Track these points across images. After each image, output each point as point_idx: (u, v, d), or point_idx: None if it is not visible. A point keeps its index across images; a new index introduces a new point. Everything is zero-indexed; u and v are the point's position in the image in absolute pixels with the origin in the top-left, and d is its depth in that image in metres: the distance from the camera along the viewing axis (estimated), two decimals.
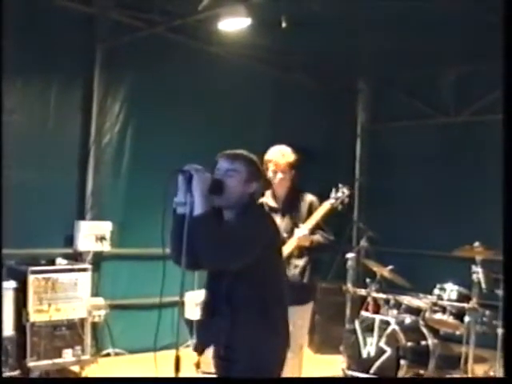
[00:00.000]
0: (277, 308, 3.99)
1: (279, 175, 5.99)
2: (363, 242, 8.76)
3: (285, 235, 5.81)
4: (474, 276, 7.29)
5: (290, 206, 6.07)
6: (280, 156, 6.00)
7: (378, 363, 7.31)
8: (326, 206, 6.09)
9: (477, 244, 7.39)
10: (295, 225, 5.95)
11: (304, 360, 6.36)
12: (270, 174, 5.97)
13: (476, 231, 8.25)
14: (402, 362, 7.13)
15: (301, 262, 6.01)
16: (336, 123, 11.06)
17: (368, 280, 8.01)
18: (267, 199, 6.11)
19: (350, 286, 8.35)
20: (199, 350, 4.13)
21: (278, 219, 5.78)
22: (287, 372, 4.64)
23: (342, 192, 6.22)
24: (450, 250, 7.81)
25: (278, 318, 4.00)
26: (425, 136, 10.88)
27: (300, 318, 5.90)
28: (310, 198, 6.16)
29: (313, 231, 5.96)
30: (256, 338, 3.86)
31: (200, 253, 3.74)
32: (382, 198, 11.13)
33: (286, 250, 5.79)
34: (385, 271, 7.89)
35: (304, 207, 6.06)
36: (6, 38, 7.09)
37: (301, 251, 6.00)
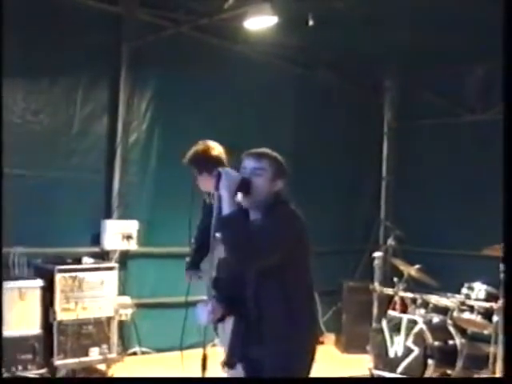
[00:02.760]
0: (305, 307, 3.97)
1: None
2: (390, 241, 8.70)
3: None
4: (503, 275, 7.22)
5: None
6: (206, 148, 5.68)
7: (405, 363, 7.27)
8: None
9: None
10: None
11: (331, 359, 6.38)
12: None
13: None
14: (430, 361, 7.08)
15: None
16: (362, 122, 11.00)
17: (395, 279, 7.96)
18: None
19: (377, 285, 8.32)
20: (232, 363, 4.10)
21: None
22: None
23: None
24: (478, 249, 7.74)
25: (307, 318, 3.98)
26: (451, 134, 10.79)
27: None
28: None
29: None
30: (285, 340, 3.84)
31: (228, 252, 3.74)
32: (408, 196, 11.07)
33: None
34: (412, 270, 7.83)
35: None
36: (31, 38, 7.17)
37: None
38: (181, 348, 3.82)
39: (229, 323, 4.18)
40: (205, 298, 3.80)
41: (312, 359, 3.99)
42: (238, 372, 4.09)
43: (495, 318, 7.20)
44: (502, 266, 7.21)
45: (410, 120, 11.33)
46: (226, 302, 3.99)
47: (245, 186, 3.80)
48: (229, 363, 4.06)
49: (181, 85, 8.71)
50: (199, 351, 3.77)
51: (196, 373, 3.74)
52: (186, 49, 8.65)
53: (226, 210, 3.70)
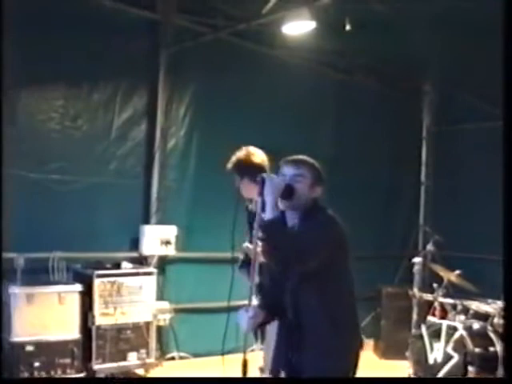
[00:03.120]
0: (347, 314, 3.97)
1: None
2: (430, 246, 8.61)
3: None
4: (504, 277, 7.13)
5: None
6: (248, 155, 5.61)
7: (444, 369, 7.19)
8: None
9: None
10: None
11: (369, 365, 6.33)
12: None
13: None
14: (470, 368, 6.99)
15: None
16: (401, 126, 10.93)
17: (435, 285, 7.88)
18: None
19: (416, 290, 8.25)
20: (275, 371, 4.09)
21: None
22: None
23: None
24: None
25: (349, 325, 3.98)
26: (491, 138, 10.66)
27: None
28: None
29: None
30: (327, 348, 3.83)
31: (270, 257, 3.76)
32: (448, 201, 10.97)
33: None
34: (452, 276, 7.75)
35: None
36: (70, 44, 7.24)
37: None
38: (222, 353, 3.81)
39: (273, 329, 4.18)
40: (245, 302, 3.80)
41: (355, 366, 3.99)
42: None
43: None
44: None
45: (450, 124, 11.24)
46: (267, 308, 4.00)
47: (288, 191, 3.81)
48: (272, 371, 4.07)
49: (219, 90, 8.73)
50: (237, 356, 3.78)
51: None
52: (224, 54, 8.65)
53: (270, 215, 3.70)
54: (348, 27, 8.00)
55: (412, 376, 7.42)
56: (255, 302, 4.03)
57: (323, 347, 3.82)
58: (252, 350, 8.20)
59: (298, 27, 7.83)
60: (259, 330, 4.57)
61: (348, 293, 4.01)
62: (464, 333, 7.18)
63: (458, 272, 7.75)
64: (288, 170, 3.93)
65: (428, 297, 8.02)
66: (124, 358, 7.35)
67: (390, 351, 9.26)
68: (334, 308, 3.86)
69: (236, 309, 3.87)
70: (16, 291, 6.78)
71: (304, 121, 9.49)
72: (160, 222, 8.46)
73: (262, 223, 3.71)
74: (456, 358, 7.15)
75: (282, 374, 4.04)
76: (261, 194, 3.76)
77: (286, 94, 9.20)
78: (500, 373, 7.11)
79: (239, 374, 3.72)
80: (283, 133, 8.98)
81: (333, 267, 3.81)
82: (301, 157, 4.01)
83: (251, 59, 8.94)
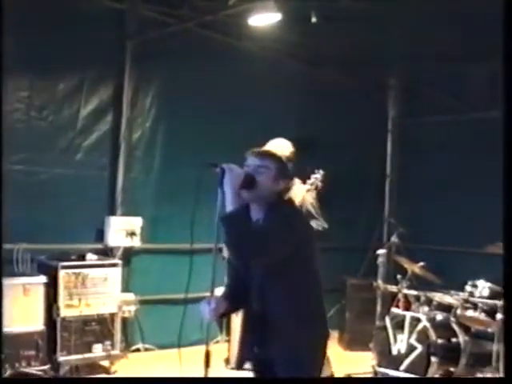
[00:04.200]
0: (312, 306, 3.99)
1: None
2: (394, 239, 8.69)
3: None
4: (503, 274, 7.21)
5: None
6: (277, 148, 5.88)
7: (408, 360, 7.26)
8: (301, 193, 6.35)
9: None
10: None
11: (334, 357, 6.40)
12: None
13: None
14: (433, 359, 7.07)
15: None
16: (366, 118, 10.96)
17: (399, 276, 7.95)
18: None
19: (380, 282, 8.31)
20: (240, 362, 4.11)
21: None
22: None
23: (315, 177, 6.47)
24: (482, 247, 7.74)
25: (315, 317, 4.01)
26: (456, 132, 10.78)
27: None
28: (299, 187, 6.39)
29: None
30: (293, 339, 3.84)
31: (231, 249, 3.79)
32: (412, 194, 11.05)
33: None
34: (416, 268, 7.82)
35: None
36: (35, 35, 7.19)
37: None
38: (179, 345, 3.81)
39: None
40: (208, 294, 3.80)
41: (323, 358, 4.04)
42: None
43: (499, 316, 7.19)
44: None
45: (414, 117, 11.31)
46: (230, 299, 4.02)
47: (248, 181, 3.80)
48: (237, 362, 4.09)
49: (185, 82, 8.70)
50: (202, 348, 3.77)
51: (199, 369, 3.73)
52: (191, 45, 8.62)
53: (230, 206, 3.70)
54: (313, 19, 8.02)
55: (375, 367, 7.47)
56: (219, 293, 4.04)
57: (290, 339, 3.83)
58: (217, 342, 8.30)
59: (264, 19, 7.86)
60: (223, 321, 4.59)
61: (314, 285, 4.02)
62: (427, 324, 7.26)
63: (421, 264, 7.82)
64: (252, 161, 3.93)
65: (392, 288, 8.09)
66: (89, 350, 7.33)
67: (354, 343, 9.32)
68: (299, 300, 3.87)
69: (198, 300, 3.88)
70: None
71: (269, 112, 9.48)
72: (125, 214, 8.44)
73: (222, 215, 3.70)
74: (419, 348, 7.22)
75: (248, 366, 4.06)
76: (221, 184, 3.74)
77: (251, 86, 9.20)
78: (462, 363, 7.21)
79: (202, 366, 3.73)
80: (248, 125, 8.99)
81: (298, 260, 3.82)
82: (267, 149, 4.03)
83: (218, 50, 8.91)
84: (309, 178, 6.65)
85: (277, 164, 3.94)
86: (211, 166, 3.79)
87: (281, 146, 6.18)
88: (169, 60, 8.60)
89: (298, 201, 6.14)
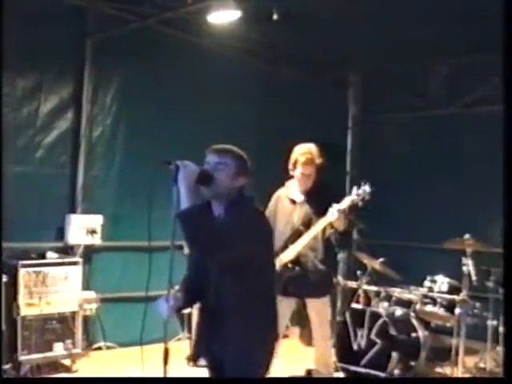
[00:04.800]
0: (266, 305, 4.02)
1: (307, 170, 6.54)
2: (354, 235, 8.75)
3: (301, 227, 6.43)
4: (465, 268, 7.31)
5: (315, 200, 6.57)
6: (310, 153, 6.59)
7: (368, 355, 7.32)
8: (348, 200, 6.50)
9: (467, 236, 7.41)
10: (322, 214, 6.40)
11: (295, 353, 6.46)
12: (299, 168, 6.55)
13: (466, 223, 8.29)
14: (393, 354, 7.13)
15: (319, 255, 6.56)
16: (327, 116, 10.97)
17: (359, 272, 8.01)
18: (290, 191, 6.67)
19: (340, 278, 8.39)
20: (195, 357, 4.12)
21: (297, 211, 6.52)
22: None
23: (364, 190, 6.57)
24: (441, 243, 7.82)
25: (268, 315, 4.03)
26: (416, 128, 10.87)
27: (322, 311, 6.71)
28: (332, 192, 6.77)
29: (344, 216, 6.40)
30: (244, 337, 3.87)
31: (189, 246, 3.80)
32: (373, 191, 11.09)
33: (305, 239, 6.38)
34: (376, 264, 7.88)
35: (323, 202, 6.48)
36: None
37: (319, 243, 6.52)
38: (141, 343, 3.82)
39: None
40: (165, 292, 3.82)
41: (271, 356, 4.03)
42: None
43: (457, 311, 7.29)
44: (463, 259, 7.33)
45: (375, 114, 11.37)
46: (187, 291, 4.04)
47: (204, 177, 3.81)
48: (192, 357, 4.09)
49: (146, 79, 8.70)
50: (162, 346, 3.78)
51: (159, 367, 3.75)
52: (151, 42, 8.60)
53: (185, 203, 3.69)
54: (274, 17, 8.04)
55: (336, 362, 7.51)
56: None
57: (241, 339, 3.87)
58: (178, 339, 8.30)
59: (224, 16, 7.86)
60: (185, 318, 4.61)
61: (268, 285, 4.06)
62: (387, 319, 7.32)
63: (381, 260, 7.89)
64: (211, 158, 3.94)
65: (352, 284, 8.16)
66: (50, 349, 7.28)
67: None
68: (253, 299, 3.89)
69: (157, 298, 3.90)
70: None
71: (229, 110, 9.49)
72: (86, 212, 8.39)
73: (177, 212, 3.69)
74: (379, 344, 7.29)
75: (202, 361, 4.08)
76: (175, 181, 3.74)
77: (212, 83, 9.19)
78: (422, 358, 7.29)
79: (161, 364, 3.74)
80: (209, 122, 9.00)
81: (255, 259, 3.83)
82: (227, 146, 4.01)
83: (178, 48, 8.90)
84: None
85: (236, 161, 3.95)
86: (165, 164, 3.80)
87: (313, 150, 6.66)
88: (129, 57, 8.56)
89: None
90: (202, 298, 4.04)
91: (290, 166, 6.67)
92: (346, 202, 6.42)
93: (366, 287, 7.92)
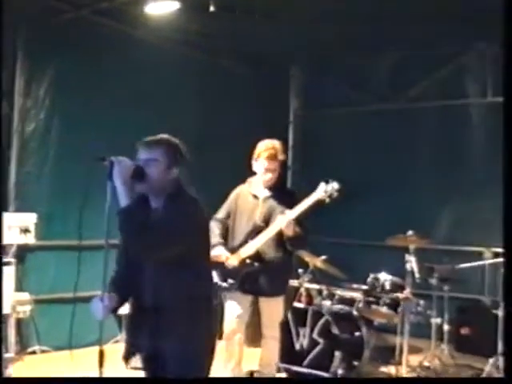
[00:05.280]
0: (205, 301, 3.97)
1: (272, 165, 6.45)
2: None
3: (262, 224, 6.33)
4: (408, 265, 7.28)
5: (276, 197, 6.49)
6: (274, 148, 6.51)
7: (311, 355, 7.22)
8: (315, 197, 6.39)
9: (410, 233, 7.41)
10: (281, 212, 6.28)
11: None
12: (262, 163, 6.44)
13: (409, 220, 8.28)
14: (336, 353, 7.04)
15: (277, 254, 6.41)
16: (267, 110, 10.88)
17: (300, 270, 7.90)
18: (252, 187, 6.61)
19: None
20: (127, 356, 4.04)
21: (259, 207, 6.42)
22: None
23: (332, 186, 6.47)
24: (384, 240, 7.78)
25: (205, 308, 3.97)
26: (360, 123, 10.83)
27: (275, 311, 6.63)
28: (292, 190, 6.90)
29: (297, 222, 6.25)
30: (184, 331, 3.82)
31: (126, 242, 3.76)
32: (314, 186, 11.02)
33: (264, 237, 6.23)
34: (318, 261, 7.77)
35: (287, 198, 6.45)
36: None
37: (278, 241, 6.34)
38: (70, 347, 3.71)
39: None
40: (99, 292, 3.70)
41: (211, 353, 3.99)
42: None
43: (401, 309, 7.25)
44: (406, 256, 7.30)
45: (318, 108, 11.32)
46: (120, 293, 3.92)
47: (137, 173, 3.75)
48: (124, 356, 4.02)
49: (81, 71, 8.46)
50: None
51: (94, 370, 3.65)
52: (86, 33, 8.40)
53: (123, 200, 3.64)
54: (212, 8, 7.90)
55: (278, 363, 7.38)
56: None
57: (179, 335, 3.81)
58: (116, 341, 8.10)
59: (161, 7, 7.79)
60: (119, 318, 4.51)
61: (206, 281, 4.03)
62: (329, 318, 7.22)
63: (323, 257, 7.77)
64: (142, 154, 3.89)
65: (294, 283, 8.03)
66: None
67: (257, 339, 9.19)
68: (191, 294, 3.84)
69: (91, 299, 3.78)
70: None
71: (169, 104, 9.34)
72: (19, 210, 8.13)
73: (119, 209, 3.64)
74: (322, 343, 7.19)
75: (134, 362, 4.00)
76: (110, 177, 3.68)
77: (150, 76, 9.06)
78: (366, 357, 7.21)
79: (96, 366, 3.63)
80: (147, 116, 8.82)
81: (193, 253, 3.80)
82: (157, 137, 3.96)
83: (114, 39, 8.74)
84: None
85: (166, 154, 3.89)
86: (100, 160, 3.75)
87: (276, 146, 6.56)
88: (64, 49, 8.32)
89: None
90: (135, 294, 3.95)
91: (253, 162, 6.57)
92: (298, 210, 6.25)
93: (307, 286, 7.84)
